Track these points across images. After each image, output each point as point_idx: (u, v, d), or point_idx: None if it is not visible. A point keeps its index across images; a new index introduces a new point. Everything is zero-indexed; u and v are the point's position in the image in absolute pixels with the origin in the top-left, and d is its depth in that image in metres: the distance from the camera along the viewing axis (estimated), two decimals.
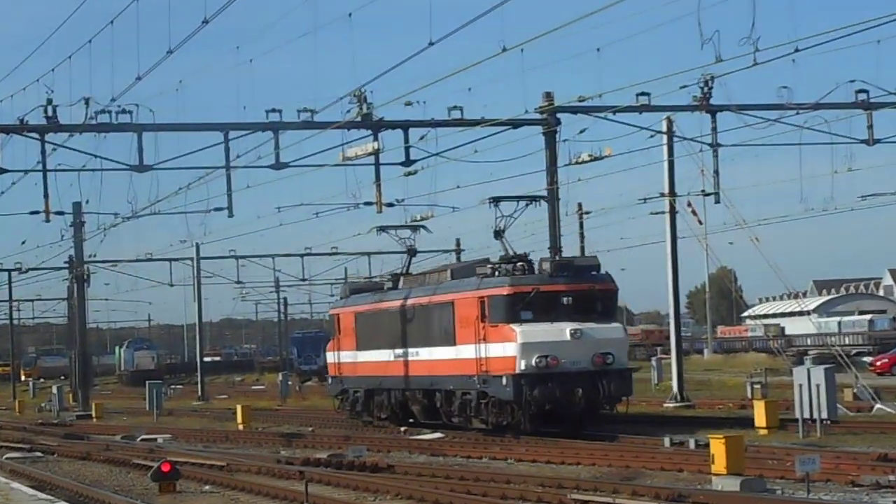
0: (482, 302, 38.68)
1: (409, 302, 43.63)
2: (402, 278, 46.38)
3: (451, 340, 40.62)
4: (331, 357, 49.61)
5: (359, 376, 47.01)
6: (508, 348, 37.73)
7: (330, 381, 50.54)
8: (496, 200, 40.92)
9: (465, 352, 39.80)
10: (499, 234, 40.98)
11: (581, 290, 38.15)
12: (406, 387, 43.78)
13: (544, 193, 42.84)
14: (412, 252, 47.87)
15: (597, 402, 37.92)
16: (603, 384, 37.49)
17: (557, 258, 40.36)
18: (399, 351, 44.02)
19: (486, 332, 38.55)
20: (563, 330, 37.51)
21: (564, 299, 38.01)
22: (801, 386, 34.55)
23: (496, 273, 39.34)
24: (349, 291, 50.19)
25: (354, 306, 47.88)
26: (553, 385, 37.10)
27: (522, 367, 37.23)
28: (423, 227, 48.23)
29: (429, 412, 42.74)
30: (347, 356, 47.91)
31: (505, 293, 38.11)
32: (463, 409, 40.24)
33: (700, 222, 52.43)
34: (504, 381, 37.66)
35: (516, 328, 37.54)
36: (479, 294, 39.08)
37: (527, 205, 41.30)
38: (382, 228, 47.53)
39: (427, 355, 42.35)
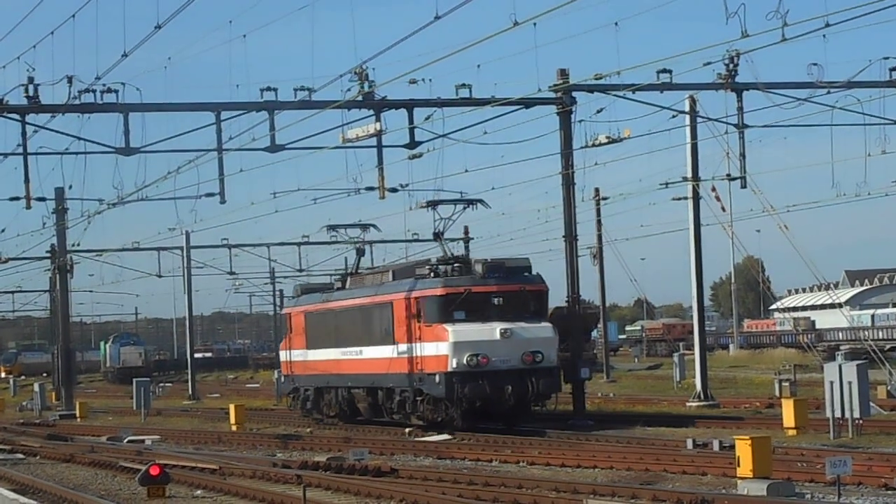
0: (417, 302, 42.30)
1: (354, 302, 47.38)
2: (349, 278, 50.13)
3: (390, 339, 43.94)
4: (283, 356, 53.46)
5: (309, 375, 50.72)
6: (441, 347, 41.23)
7: (283, 379, 53.91)
8: (433, 204, 44.68)
9: (402, 351, 43.20)
10: (438, 235, 45.28)
11: (512, 290, 41.75)
12: (352, 385, 47.44)
13: (481, 197, 45.80)
14: (360, 252, 52.83)
15: (526, 398, 41.24)
16: (532, 381, 40.85)
17: (490, 260, 43.44)
18: (345, 350, 47.63)
19: (421, 332, 42.10)
20: (494, 329, 40.99)
21: (495, 300, 41.56)
22: (832, 383, 34.58)
23: (432, 274, 42.73)
24: (301, 291, 54.04)
25: (305, 306, 51.72)
26: (483, 382, 40.60)
27: (454, 365, 40.78)
28: (373, 225, 52.84)
29: (374, 410, 46.13)
30: (298, 355, 51.67)
31: (438, 294, 41.76)
32: (402, 406, 43.62)
33: (724, 209, 52.48)
34: (437, 378, 41.23)
35: (448, 328, 41.07)
36: (414, 295, 42.57)
37: (464, 208, 44.93)
38: (332, 227, 51.88)
39: (369, 354, 45.81)
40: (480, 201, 45.84)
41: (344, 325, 48.09)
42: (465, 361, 40.86)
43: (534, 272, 43.71)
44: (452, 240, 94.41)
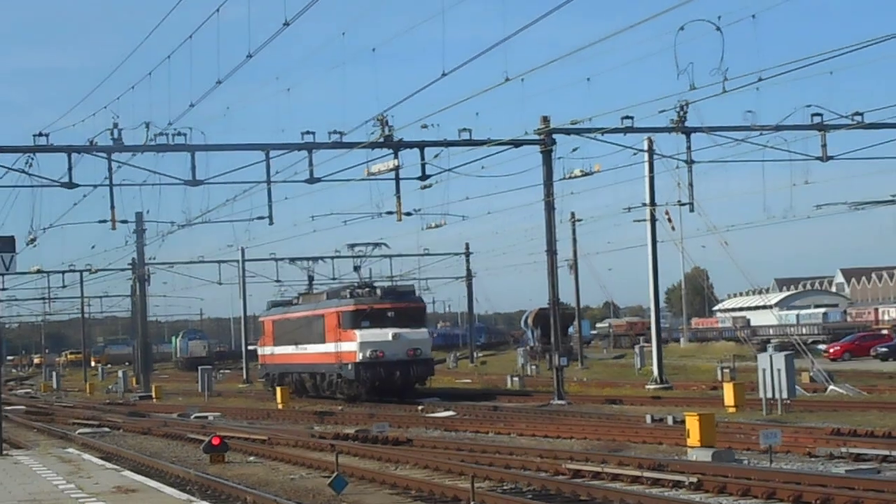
0: (339, 315, 50.70)
1: (303, 314, 56.04)
2: (301, 297, 60.35)
3: (323, 340, 52.16)
4: (259, 351, 62.89)
5: (275, 364, 59.11)
6: (352, 345, 49.52)
7: (260, 367, 63.31)
8: (352, 246, 56.75)
9: (330, 347, 51.22)
10: (357, 268, 56.58)
11: (400, 307, 50.36)
12: (300, 371, 55.66)
13: (386, 241, 57.60)
14: (311, 278, 64.13)
15: (410, 380, 49.77)
16: (413, 368, 49.52)
17: (387, 286, 54.33)
18: (297, 346, 55.80)
19: (341, 335, 50.33)
20: (388, 333, 49.34)
21: (389, 313, 49.93)
22: (764, 370, 34.51)
23: (349, 295, 51.30)
24: (270, 305, 63.60)
25: (273, 315, 60.65)
26: (380, 369, 48.97)
27: (360, 357, 49.08)
28: (322, 258, 66.90)
29: (315, 389, 53.97)
30: (268, 350, 60.46)
31: (351, 309, 50.29)
32: (330, 385, 51.85)
33: (673, 228, 52.29)
34: (350, 367, 49.56)
35: (357, 332, 49.48)
36: (337, 310, 51.04)
37: (373, 248, 57.03)
38: (292, 260, 68.40)
39: (311, 350, 53.89)
40: (384, 244, 57.41)
41: (296, 329, 55.94)
42: (368, 355, 48.99)
43: (417, 294, 54.03)
44: (456, 254, 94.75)
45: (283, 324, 58.27)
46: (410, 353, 49.51)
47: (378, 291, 51.34)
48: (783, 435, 23.93)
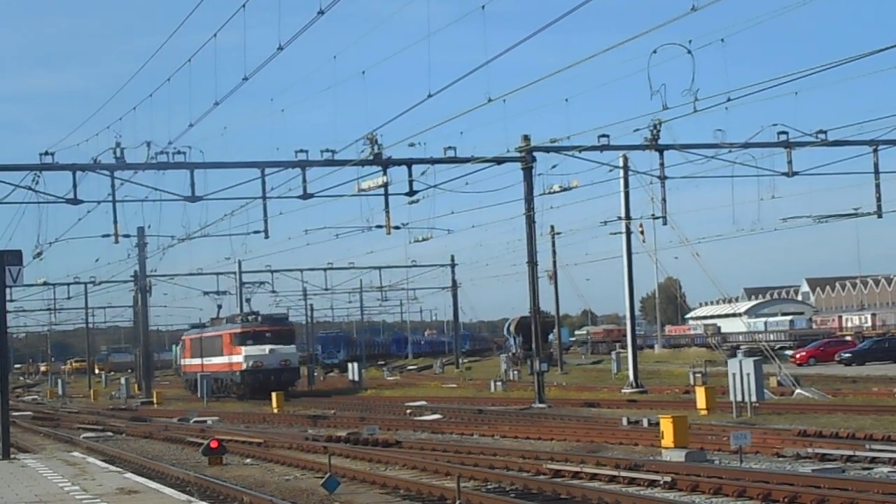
0: (231, 335, 65.01)
1: (210, 334, 70.34)
2: (211, 322, 74.41)
3: (222, 353, 66.12)
4: (182, 362, 77.78)
5: (192, 372, 71.26)
6: (240, 358, 63.42)
7: (181, 374, 78.34)
8: (243, 284, 73.97)
9: (226, 359, 65.25)
10: (248, 301, 73.48)
11: (275, 329, 64.74)
12: (210, 376, 64.47)
13: (268, 279, 76.80)
14: (220, 306, 75.26)
15: (282, 383, 61.14)
16: (284, 375, 62.89)
17: (267, 314, 68.41)
18: (206, 359, 69.24)
19: (232, 350, 64.35)
20: (265, 349, 63.44)
21: (267, 334, 64.17)
22: (734, 374, 34.55)
23: (239, 321, 65.63)
24: (190, 327, 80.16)
25: (191, 335, 75.65)
26: (259, 375, 62.72)
27: (245, 367, 63.20)
28: (227, 292, 78.56)
29: (219, 390, 65.45)
30: (188, 361, 74.71)
31: (239, 331, 64.76)
32: (227, 388, 65.32)
33: (644, 241, 52.34)
34: (238, 374, 63.74)
35: (243, 348, 63.66)
36: (230, 331, 65.52)
37: (259, 285, 79.34)
38: (205, 293, 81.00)
39: (216, 361, 67.34)
40: (268, 282, 77.74)
41: (205, 346, 69.73)
42: (251, 365, 62.82)
43: (288, 320, 70.44)
44: (442, 265, 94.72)
45: (196, 341, 72.22)
46: (282, 363, 62.99)
47: (260, 318, 65.53)
48: (753, 436, 23.96)
